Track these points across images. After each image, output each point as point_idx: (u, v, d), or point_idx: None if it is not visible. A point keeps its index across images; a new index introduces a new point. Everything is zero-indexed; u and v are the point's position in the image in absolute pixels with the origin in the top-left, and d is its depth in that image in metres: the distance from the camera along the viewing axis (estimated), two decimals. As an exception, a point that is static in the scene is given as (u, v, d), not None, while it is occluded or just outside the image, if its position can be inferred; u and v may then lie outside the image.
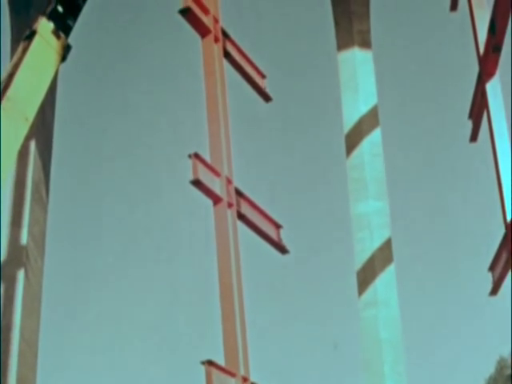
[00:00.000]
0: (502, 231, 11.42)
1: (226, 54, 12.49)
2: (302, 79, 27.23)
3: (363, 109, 17.26)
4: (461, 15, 13.53)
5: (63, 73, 15.67)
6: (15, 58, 11.47)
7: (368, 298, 15.94)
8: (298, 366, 26.46)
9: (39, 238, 15.97)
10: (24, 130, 11.03)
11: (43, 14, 11.84)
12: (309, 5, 21.35)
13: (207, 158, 11.18)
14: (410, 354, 16.12)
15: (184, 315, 26.79)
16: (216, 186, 11.04)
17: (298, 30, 26.68)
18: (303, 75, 27.14)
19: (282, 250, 12.47)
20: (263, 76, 13.41)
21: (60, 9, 11.93)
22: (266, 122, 24.71)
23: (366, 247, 16.24)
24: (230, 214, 11.21)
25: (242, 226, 11.61)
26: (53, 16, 11.82)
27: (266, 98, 13.46)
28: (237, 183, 11.67)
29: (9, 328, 14.73)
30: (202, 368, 9.79)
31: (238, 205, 11.47)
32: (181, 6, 11.70)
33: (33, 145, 15.93)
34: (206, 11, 12.09)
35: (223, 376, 10.09)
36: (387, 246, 16.25)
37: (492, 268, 12.23)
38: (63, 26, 11.93)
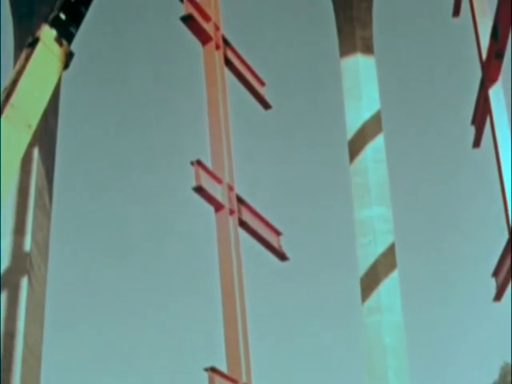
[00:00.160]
0: (505, 236, 11.40)
1: (227, 62, 12.51)
2: (305, 85, 27.26)
3: (366, 115, 17.28)
4: (463, 21, 13.53)
5: (66, 80, 15.69)
6: (18, 65, 11.48)
7: (372, 304, 15.93)
8: (300, 373, 26.44)
9: (43, 245, 15.97)
10: (27, 138, 11.04)
11: (46, 21, 11.87)
12: (311, 12, 21.40)
13: (208, 164, 11.19)
14: (413, 359, 16.11)
15: (186, 322, 26.80)
16: (218, 192, 11.05)
17: (300, 37, 26.72)
18: (306, 81, 27.17)
19: (282, 257, 12.47)
20: (263, 83, 13.43)
21: (63, 16, 11.95)
22: (269, 128, 24.74)
23: (369, 253, 16.23)
24: (232, 221, 11.22)
25: (242, 233, 11.60)
26: (55, 23, 11.84)
27: (266, 105, 13.48)
28: (239, 190, 11.68)
29: (12, 335, 14.72)
30: (205, 375, 9.81)
31: (239, 212, 11.47)
32: (183, 12, 11.73)
33: (36, 152, 15.95)
34: (207, 18, 12.12)
35: (226, 383, 10.10)
36: (391, 251, 16.25)
37: (496, 273, 12.20)
38: (66, 34, 11.95)
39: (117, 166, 28.53)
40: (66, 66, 11.98)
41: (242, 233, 11.53)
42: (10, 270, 15.18)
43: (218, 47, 12.23)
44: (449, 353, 26.68)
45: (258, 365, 10.76)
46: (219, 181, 11.19)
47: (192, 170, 10.67)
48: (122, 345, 27.56)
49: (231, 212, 11.24)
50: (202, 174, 10.75)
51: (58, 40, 11.80)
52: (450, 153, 26.44)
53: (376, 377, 15.44)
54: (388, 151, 17.15)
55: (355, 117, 17.33)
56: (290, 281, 24.66)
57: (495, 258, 12.00)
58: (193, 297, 26.01)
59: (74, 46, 12.04)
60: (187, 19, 11.74)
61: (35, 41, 11.57)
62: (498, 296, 12.20)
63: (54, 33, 11.76)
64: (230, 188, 11.39)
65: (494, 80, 11.86)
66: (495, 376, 27.03)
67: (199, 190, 10.68)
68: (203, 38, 12.10)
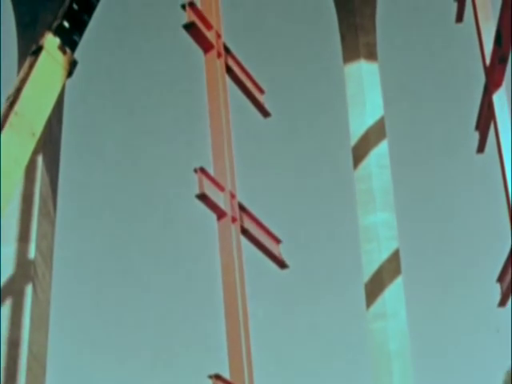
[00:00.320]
0: (510, 242, 11.39)
1: (228, 69, 12.53)
2: (309, 92, 27.26)
3: (370, 121, 17.29)
4: (467, 26, 13.54)
5: (70, 87, 15.71)
6: (22, 73, 11.52)
7: (376, 310, 15.92)
8: (304, 380, 26.40)
9: (47, 252, 15.98)
10: (31, 145, 11.07)
11: (49, 29, 11.91)
12: (315, 18, 21.42)
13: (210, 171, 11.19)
14: (418, 365, 16.08)
15: (188, 329, 26.80)
16: (220, 200, 11.05)
17: (304, 44, 26.74)
18: (310, 88, 27.18)
19: (282, 264, 12.46)
20: (262, 92, 13.45)
21: (66, 24, 12.00)
22: (273, 135, 24.74)
23: (373, 259, 16.23)
24: (234, 228, 11.21)
25: (243, 240, 11.59)
26: (59, 31, 11.88)
27: (265, 113, 13.50)
28: (241, 197, 11.67)
29: (17, 343, 14.72)
30: (209, 382, 9.80)
31: (241, 219, 11.46)
32: (185, 20, 11.75)
33: (40, 160, 15.96)
34: (209, 26, 12.14)
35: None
36: (395, 257, 16.24)
37: (500, 279, 12.20)
38: (69, 42, 11.99)
39: (121, 173, 28.57)
40: (69, 73, 12.01)
41: (242, 240, 11.53)
42: (14, 278, 15.18)
43: (219, 55, 12.26)
44: (453, 359, 26.64)
45: (261, 372, 10.75)
46: (221, 188, 11.19)
47: (195, 177, 10.69)
48: (126, 352, 27.55)
49: (233, 219, 11.24)
50: (205, 181, 10.75)
51: (62, 48, 11.84)
52: (455, 157, 26.42)
53: (381, 383, 15.43)
54: (392, 157, 17.15)
55: (359, 123, 17.34)
56: (294, 287, 24.63)
57: (500, 263, 12.00)
58: (195, 304, 26.01)
59: (77, 54, 12.07)
60: (190, 27, 11.77)
61: (39, 49, 11.61)
62: (503, 302, 12.20)
63: (57, 41, 11.81)
64: (232, 195, 11.39)
65: (497, 85, 11.87)
66: (499, 382, 26.97)
67: (202, 197, 10.68)
68: (205, 45, 12.12)
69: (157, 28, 25.94)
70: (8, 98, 11.13)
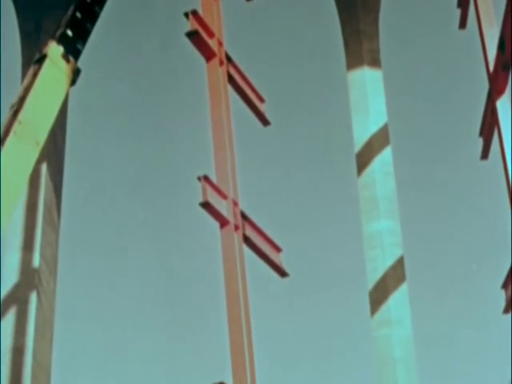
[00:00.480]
0: (514, 249, 11.37)
1: (229, 77, 12.54)
2: (312, 99, 27.26)
3: (373, 128, 17.29)
4: (470, 33, 13.53)
5: (73, 96, 15.74)
6: (26, 81, 11.54)
7: (381, 318, 15.90)
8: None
9: (51, 260, 16.00)
10: (35, 154, 11.08)
11: (53, 37, 11.93)
12: (318, 25, 21.43)
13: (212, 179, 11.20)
14: (423, 372, 16.04)
15: (192, 337, 26.78)
16: (223, 208, 11.05)
17: (307, 51, 26.75)
18: (313, 95, 27.18)
19: (282, 273, 12.45)
20: (263, 100, 13.46)
21: (69, 33, 12.02)
22: (275, 142, 24.74)
23: (378, 266, 16.21)
24: (237, 236, 11.21)
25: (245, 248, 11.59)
26: (62, 40, 11.91)
27: (265, 122, 13.50)
28: (243, 205, 11.66)
29: (21, 351, 14.74)
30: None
31: (243, 227, 11.46)
32: (188, 28, 11.77)
33: (44, 168, 16.00)
34: (211, 34, 12.16)
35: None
36: (399, 264, 16.22)
37: (505, 286, 12.16)
38: (73, 50, 12.02)
39: (125, 181, 28.58)
40: (73, 82, 12.04)
41: (244, 248, 11.53)
42: (18, 286, 15.20)
43: (221, 63, 12.27)
44: (458, 366, 26.57)
45: (265, 380, 10.73)
46: (224, 196, 11.19)
47: (198, 184, 10.69)
48: (130, 360, 27.53)
49: (236, 228, 11.24)
50: (209, 189, 10.75)
51: (65, 56, 11.86)
52: (459, 164, 26.39)
53: (386, 390, 15.40)
54: (396, 164, 17.14)
55: (362, 130, 17.34)
56: (298, 294, 24.61)
57: (504, 270, 11.96)
58: (198, 312, 25.99)
59: (80, 62, 12.09)
60: (192, 35, 11.79)
61: (42, 57, 11.63)
62: (508, 309, 12.15)
63: (60, 49, 11.83)
64: (235, 203, 11.39)
65: (501, 92, 11.86)
66: (506, 389, 26.89)
67: (206, 205, 10.69)
68: (207, 53, 12.14)
69: (160, 35, 25.97)
70: (12, 106, 11.15)
